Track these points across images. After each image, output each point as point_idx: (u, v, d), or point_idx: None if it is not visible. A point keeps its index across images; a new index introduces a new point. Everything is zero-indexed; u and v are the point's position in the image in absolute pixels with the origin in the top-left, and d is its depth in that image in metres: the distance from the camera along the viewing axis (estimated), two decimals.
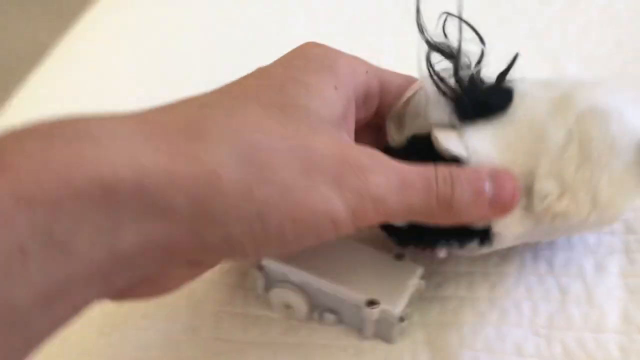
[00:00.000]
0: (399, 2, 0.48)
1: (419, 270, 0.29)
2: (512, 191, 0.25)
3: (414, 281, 0.28)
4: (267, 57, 0.45)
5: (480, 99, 0.26)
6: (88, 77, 0.49)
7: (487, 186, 0.25)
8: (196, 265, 0.24)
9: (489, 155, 0.26)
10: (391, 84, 0.28)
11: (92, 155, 0.18)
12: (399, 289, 0.28)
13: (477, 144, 0.26)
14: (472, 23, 0.26)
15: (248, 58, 0.47)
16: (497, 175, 0.25)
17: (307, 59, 0.25)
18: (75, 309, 0.19)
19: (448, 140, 0.26)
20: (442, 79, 0.26)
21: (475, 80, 0.26)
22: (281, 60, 0.26)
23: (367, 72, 0.27)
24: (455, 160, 0.26)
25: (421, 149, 0.26)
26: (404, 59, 0.39)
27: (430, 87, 0.27)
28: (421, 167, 0.24)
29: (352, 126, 0.26)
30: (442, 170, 0.25)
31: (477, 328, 0.29)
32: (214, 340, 0.29)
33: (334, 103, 0.24)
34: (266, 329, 0.30)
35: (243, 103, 0.22)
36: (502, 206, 0.25)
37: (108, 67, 0.50)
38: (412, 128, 0.28)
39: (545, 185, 0.26)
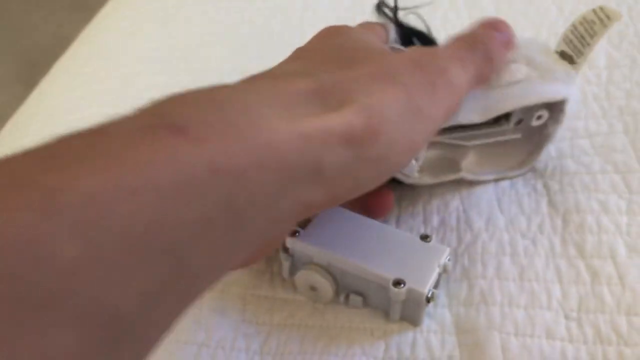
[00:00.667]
0: None
1: (446, 251, 0.28)
2: (508, 29, 0.29)
3: (441, 262, 0.28)
4: (291, 40, 0.45)
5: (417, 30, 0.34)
6: (112, 65, 0.49)
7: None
8: None
9: None
10: None
11: (264, 126, 0.19)
12: (425, 269, 0.28)
13: None
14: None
15: (272, 42, 0.47)
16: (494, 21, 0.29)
17: (342, 32, 0.28)
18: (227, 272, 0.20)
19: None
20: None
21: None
22: (319, 36, 0.28)
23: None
24: None
25: None
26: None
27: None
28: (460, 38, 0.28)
29: None
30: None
31: (505, 310, 0.28)
32: (241, 322, 0.30)
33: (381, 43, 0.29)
34: (292, 312, 0.30)
35: (331, 66, 0.24)
36: (507, 43, 0.29)
37: (131, 56, 0.50)
38: None
39: None
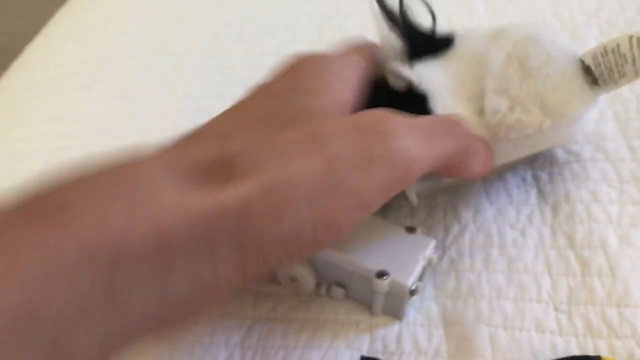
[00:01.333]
0: None
1: (432, 243, 0.27)
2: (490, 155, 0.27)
3: (426, 254, 0.27)
4: (273, 24, 0.43)
5: (426, 35, 0.28)
6: (87, 49, 0.47)
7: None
8: None
9: (440, 80, 0.27)
10: None
11: (146, 211, 0.18)
12: (410, 261, 0.27)
13: (428, 72, 0.27)
14: None
15: (254, 25, 0.45)
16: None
17: (303, 69, 0.25)
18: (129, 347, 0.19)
19: (400, 69, 0.27)
20: (392, 16, 0.28)
21: (416, 24, 0.28)
22: (278, 75, 0.26)
23: (365, 67, 0.27)
24: (411, 94, 0.27)
25: (382, 94, 0.27)
26: None
27: (382, 28, 0.28)
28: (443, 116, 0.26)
29: None
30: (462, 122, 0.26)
31: (494, 303, 0.27)
32: (222, 316, 0.28)
33: (338, 96, 0.24)
34: (276, 304, 0.28)
35: (258, 128, 0.22)
36: (487, 167, 0.28)
37: (108, 39, 0.48)
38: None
39: (494, 100, 0.27)
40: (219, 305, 0.22)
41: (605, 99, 0.36)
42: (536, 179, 0.33)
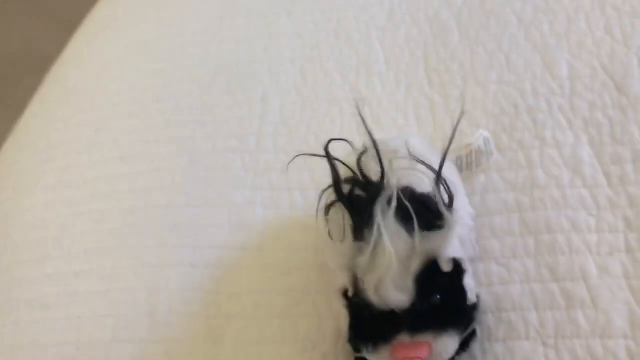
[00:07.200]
0: (384, 6, 0.47)
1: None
2: None
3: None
4: (254, 77, 0.45)
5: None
6: (78, 110, 0.49)
7: None
8: None
9: None
10: None
11: None
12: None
13: None
14: None
15: (236, 78, 0.47)
16: None
17: None
18: None
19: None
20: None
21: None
22: None
23: None
24: None
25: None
26: (394, 63, 0.38)
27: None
28: None
29: None
30: None
31: (485, 346, 0.30)
32: None
33: None
34: None
35: None
36: None
37: (97, 98, 0.49)
38: None
39: None
40: None
41: (580, 123, 0.37)
42: (518, 203, 0.35)
